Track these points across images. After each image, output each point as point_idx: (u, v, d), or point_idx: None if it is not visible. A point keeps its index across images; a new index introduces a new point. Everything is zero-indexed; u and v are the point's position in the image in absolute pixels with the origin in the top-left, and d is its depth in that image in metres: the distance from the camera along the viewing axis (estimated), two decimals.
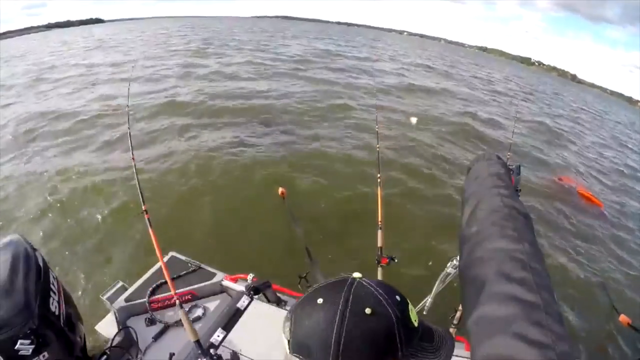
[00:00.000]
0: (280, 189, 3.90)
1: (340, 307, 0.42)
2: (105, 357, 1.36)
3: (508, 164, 0.90)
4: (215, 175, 4.87)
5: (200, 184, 4.64)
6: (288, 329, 0.45)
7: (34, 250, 1.20)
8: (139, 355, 1.41)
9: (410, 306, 0.48)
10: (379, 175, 2.03)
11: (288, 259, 3.00)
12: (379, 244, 1.81)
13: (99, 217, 3.88)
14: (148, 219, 1.49)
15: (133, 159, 1.76)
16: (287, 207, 3.69)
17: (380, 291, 0.45)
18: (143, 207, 1.52)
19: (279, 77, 11.70)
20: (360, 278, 0.47)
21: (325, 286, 0.47)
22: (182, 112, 7.44)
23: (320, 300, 0.44)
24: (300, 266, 1.92)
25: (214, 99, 8.44)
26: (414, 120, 7.35)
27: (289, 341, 0.45)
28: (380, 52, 27.33)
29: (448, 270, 1.17)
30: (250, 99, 8.66)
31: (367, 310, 0.42)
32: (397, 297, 0.46)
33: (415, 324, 0.46)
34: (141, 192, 1.55)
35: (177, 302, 1.32)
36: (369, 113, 7.78)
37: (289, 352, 0.45)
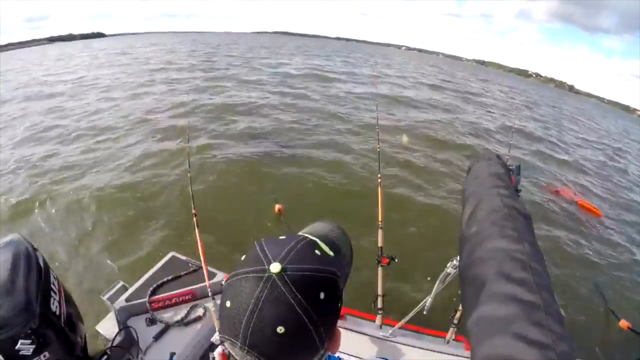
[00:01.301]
0: (277, 207, 3.92)
1: (242, 326, 0.39)
2: (105, 357, 1.36)
3: (508, 164, 0.90)
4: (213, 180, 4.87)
5: (200, 189, 4.65)
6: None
7: (35, 249, 1.20)
8: (140, 355, 1.41)
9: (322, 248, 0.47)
10: (379, 175, 2.03)
11: None
12: (379, 243, 1.81)
13: (103, 219, 3.88)
14: (196, 222, 1.65)
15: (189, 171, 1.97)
16: (285, 223, 3.72)
17: (300, 297, 0.40)
18: (193, 210, 1.71)
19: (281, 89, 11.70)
20: (279, 272, 0.40)
21: (237, 282, 0.42)
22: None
23: (228, 304, 0.42)
24: None
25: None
26: (405, 139, 7.28)
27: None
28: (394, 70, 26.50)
29: (448, 271, 1.16)
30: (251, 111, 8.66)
31: (279, 330, 0.39)
32: (321, 294, 0.42)
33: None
34: (192, 197, 1.77)
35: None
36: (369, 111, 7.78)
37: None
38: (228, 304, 0.42)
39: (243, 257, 0.46)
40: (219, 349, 0.94)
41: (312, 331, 0.40)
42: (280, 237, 0.47)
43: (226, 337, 0.42)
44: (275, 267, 0.41)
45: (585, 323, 3.25)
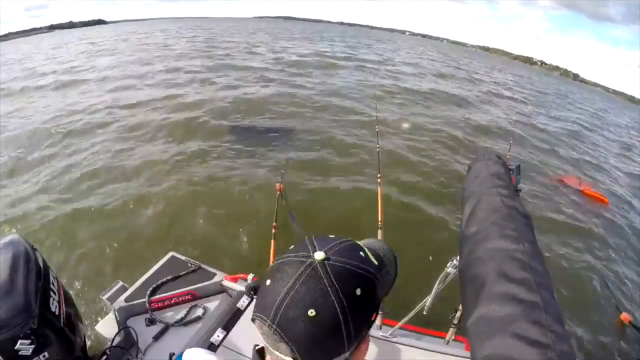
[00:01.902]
0: (277, 185, 3.91)
1: (276, 304, 0.41)
2: (105, 357, 1.36)
3: (508, 164, 0.90)
4: (210, 173, 4.87)
5: (198, 185, 4.65)
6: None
7: (34, 250, 1.20)
8: (139, 355, 1.41)
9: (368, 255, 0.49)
10: (379, 175, 2.04)
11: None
12: None
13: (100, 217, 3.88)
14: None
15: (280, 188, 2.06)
16: (285, 203, 3.68)
17: (336, 286, 0.41)
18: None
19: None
20: (321, 260, 0.43)
21: (281, 264, 0.45)
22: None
23: (268, 282, 0.44)
24: None
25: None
26: (406, 125, 7.29)
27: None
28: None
29: (448, 270, 1.16)
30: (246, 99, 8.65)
31: (310, 312, 0.40)
32: (357, 290, 0.43)
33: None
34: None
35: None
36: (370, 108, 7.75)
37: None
38: (268, 282, 0.44)
39: (291, 247, 0.49)
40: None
41: (341, 324, 0.41)
42: (330, 236, 0.50)
43: (258, 314, 0.43)
44: (319, 255, 0.44)
45: (588, 315, 3.22)
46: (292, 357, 0.41)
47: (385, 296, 0.53)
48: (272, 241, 1.76)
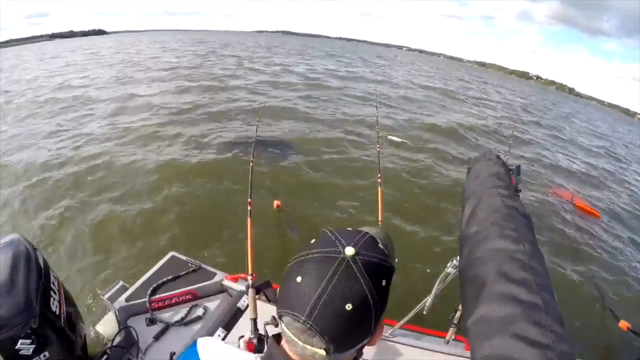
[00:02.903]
0: (276, 202, 3.92)
1: (312, 300, 0.41)
2: (105, 356, 1.36)
3: (508, 164, 0.90)
4: (209, 178, 4.88)
5: (199, 187, 4.65)
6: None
7: (35, 250, 1.20)
8: (140, 355, 1.41)
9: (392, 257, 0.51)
10: (379, 175, 2.03)
11: (289, 258, 3.00)
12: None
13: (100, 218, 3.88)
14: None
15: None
16: (284, 219, 3.69)
17: (368, 279, 0.43)
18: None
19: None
20: (353, 255, 0.44)
21: (309, 260, 0.45)
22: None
23: (299, 279, 0.44)
24: None
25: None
26: (394, 138, 7.16)
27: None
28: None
29: (448, 271, 1.16)
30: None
31: (348, 307, 0.41)
32: (383, 281, 0.46)
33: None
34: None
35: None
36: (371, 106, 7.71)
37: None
38: (299, 279, 0.44)
39: (313, 241, 0.49)
40: (245, 337, 0.95)
41: (372, 314, 0.44)
42: (347, 229, 0.51)
43: (289, 312, 0.44)
44: (350, 251, 0.45)
45: (585, 324, 3.24)
46: (325, 348, 0.43)
47: None
48: (249, 219, 1.59)
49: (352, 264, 0.44)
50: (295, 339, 0.44)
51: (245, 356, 0.59)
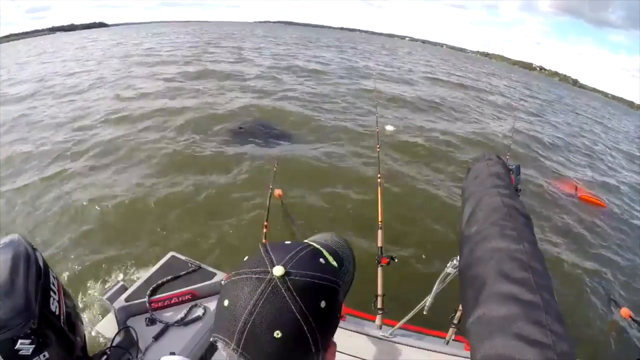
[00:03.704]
0: (277, 191, 3.92)
1: (239, 327, 0.38)
2: (105, 357, 1.36)
3: (508, 164, 0.90)
4: (210, 173, 4.87)
5: (198, 183, 4.65)
6: None
7: (34, 250, 1.20)
8: (139, 355, 1.41)
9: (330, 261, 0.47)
10: (379, 175, 2.04)
11: None
12: (379, 243, 1.81)
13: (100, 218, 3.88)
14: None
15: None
16: (285, 209, 3.68)
17: (300, 303, 0.39)
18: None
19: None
20: (281, 276, 0.40)
21: (239, 281, 0.41)
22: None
23: (226, 303, 0.41)
24: None
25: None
26: (389, 128, 7.19)
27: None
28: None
29: (448, 270, 1.16)
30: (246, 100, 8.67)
31: (277, 334, 0.38)
32: (322, 303, 0.41)
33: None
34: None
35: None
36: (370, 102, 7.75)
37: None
38: (226, 302, 0.41)
39: (246, 258, 0.45)
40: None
41: (309, 340, 0.39)
42: (286, 242, 0.47)
43: (220, 337, 0.41)
44: (278, 270, 0.40)
45: (587, 312, 3.24)
46: None
47: (345, 296, 0.51)
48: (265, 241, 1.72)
49: (280, 285, 0.39)
50: None
51: None
